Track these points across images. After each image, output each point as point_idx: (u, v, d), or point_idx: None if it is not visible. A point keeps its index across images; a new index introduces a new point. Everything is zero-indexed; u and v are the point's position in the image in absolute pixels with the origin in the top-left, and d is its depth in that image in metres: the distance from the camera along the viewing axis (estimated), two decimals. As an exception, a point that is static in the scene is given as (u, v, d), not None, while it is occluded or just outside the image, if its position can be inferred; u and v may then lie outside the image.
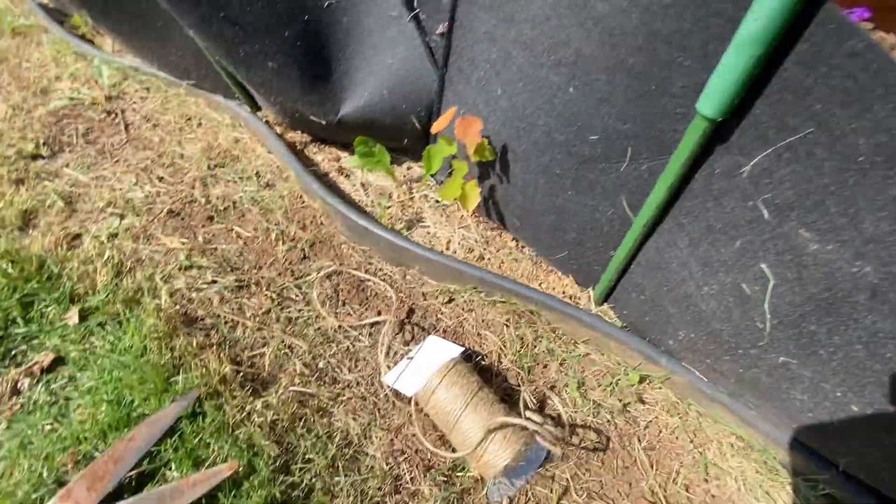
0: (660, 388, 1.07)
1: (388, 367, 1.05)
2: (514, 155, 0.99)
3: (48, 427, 0.90)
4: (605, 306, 1.13)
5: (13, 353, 1.00)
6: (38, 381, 0.97)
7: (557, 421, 1.01)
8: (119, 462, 0.83)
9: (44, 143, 1.52)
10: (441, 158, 1.14)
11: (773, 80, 0.60)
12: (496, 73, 0.91)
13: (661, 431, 1.03)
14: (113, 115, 1.67)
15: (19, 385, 0.96)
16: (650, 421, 1.04)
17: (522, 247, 1.27)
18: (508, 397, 1.05)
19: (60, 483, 0.84)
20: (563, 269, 1.18)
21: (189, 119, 1.66)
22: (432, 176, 1.37)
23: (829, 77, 0.54)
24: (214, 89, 1.56)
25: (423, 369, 0.98)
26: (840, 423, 0.70)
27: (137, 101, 1.73)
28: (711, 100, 0.60)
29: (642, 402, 1.06)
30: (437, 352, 1.02)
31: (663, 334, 0.96)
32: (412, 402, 0.99)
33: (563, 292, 1.17)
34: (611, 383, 1.08)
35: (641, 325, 1.03)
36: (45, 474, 0.84)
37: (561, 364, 1.11)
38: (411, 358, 1.03)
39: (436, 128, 0.97)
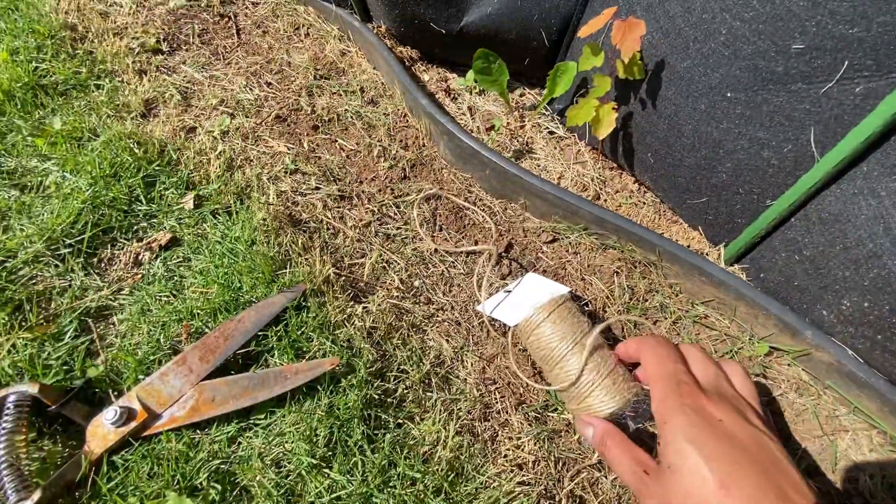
0: (790, 364, 0.94)
1: (486, 297, 1.00)
2: (671, 73, 0.85)
3: (164, 299, 0.94)
4: (736, 267, 1.00)
5: (135, 228, 1.05)
6: (156, 257, 1.01)
7: (667, 379, 0.92)
8: (228, 339, 0.85)
9: (164, 40, 1.55)
10: (571, 78, 1.02)
11: None
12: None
13: (784, 411, 0.91)
14: (226, 19, 1.67)
15: (140, 257, 1.00)
16: (773, 397, 0.92)
17: (644, 191, 1.14)
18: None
19: (175, 350, 0.88)
20: (691, 221, 1.04)
21: (298, 28, 1.62)
22: (549, 104, 1.25)
23: None
24: (327, -5, 1.51)
25: (525, 303, 0.91)
26: None
27: (249, 7, 1.72)
28: None
29: (765, 377, 0.95)
30: (540, 289, 0.95)
31: (817, 302, 0.83)
32: (510, 335, 0.94)
33: (688, 246, 1.04)
34: (730, 351, 0.97)
35: (784, 291, 0.89)
36: (161, 340, 0.88)
37: (674, 323, 1.01)
38: (509, 291, 0.97)
39: (585, 31, 0.85)
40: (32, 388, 0.73)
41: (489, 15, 1.11)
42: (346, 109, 1.37)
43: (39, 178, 1.09)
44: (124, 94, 1.33)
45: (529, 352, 0.91)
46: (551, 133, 1.24)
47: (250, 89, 1.42)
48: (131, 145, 1.13)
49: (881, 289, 0.70)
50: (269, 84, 1.45)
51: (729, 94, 0.78)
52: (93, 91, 1.32)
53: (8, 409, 0.72)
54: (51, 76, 1.32)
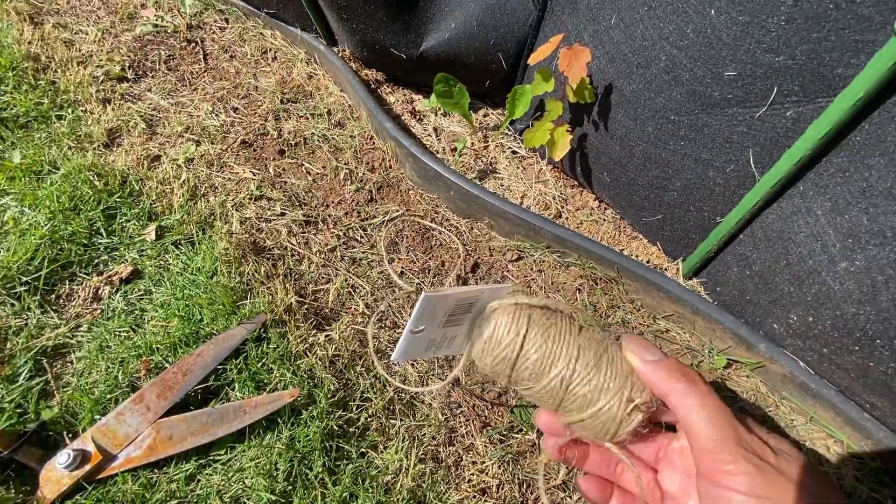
0: (748, 376, 0.96)
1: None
2: (619, 96, 0.87)
3: (124, 334, 0.93)
4: (694, 281, 1.02)
5: (95, 261, 1.04)
6: (116, 291, 1.00)
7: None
8: (187, 374, 0.84)
9: (129, 67, 1.55)
10: (528, 101, 1.04)
11: None
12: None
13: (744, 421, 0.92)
14: (193, 45, 1.67)
15: (100, 292, 0.99)
16: (734, 409, 0.93)
17: (605, 208, 1.16)
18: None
19: (133, 387, 0.87)
20: (650, 236, 1.06)
21: (265, 52, 1.63)
22: (511, 124, 1.27)
23: None
24: (293, 20, 1.52)
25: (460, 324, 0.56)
26: None
27: (216, 32, 1.72)
28: (921, 16, 0.47)
29: (726, 389, 0.96)
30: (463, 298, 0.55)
31: (767, 316, 0.85)
32: (462, 361, 0.70)
33: (648, 261, 1.06)
34: (692, 364, 0.98)
35: (738, 305, 0.91)
36: (119, 377, 0.87)
37: (636, 337, 1.02)
38: (417, 332, 0.53)
39: (535, 57, 0.87)
40: (-19, 435, 0.72)
41: (447, 41, 1.13)
42: (313, 133, 1.38)
43: (-4, 213, 1.08)
44: (87, 124, 1.32)
45: (518, 383, 0.54)
46: (514, 153, 1.26)
47: (216, 115, 1.42)
48: (91, 177, 1.12)
49: (822, 304, 0.72)
50: (235, 109, 1.45)
51: (673, 118, 0.80)
52: (54, 122, 1.31)
53: (-45, 458, 0.70)
54: (11, 109, 1.31)
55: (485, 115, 1.37)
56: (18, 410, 0.81)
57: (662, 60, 0.76)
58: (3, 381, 0.84)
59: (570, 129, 0.96)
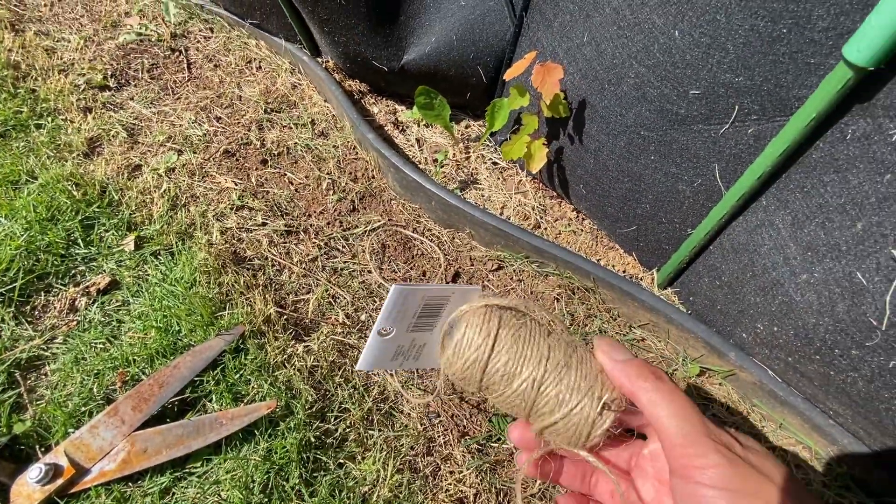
0: (720, 384, 0.98)
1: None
2: (592, 112, 0.90)
3: (100, 346, 0.92)
4: (669, 290, 1.04)
5: (73, 272, 1.03)
6: (93, 302, 0.99)
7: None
8: (163, 387, 0.84)
9: (111, 76, 1.54)
10: (507, 114, 1.06)
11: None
12: (585, 16, 0.82)
13: (717, 430, 0.94)
14: (177, 53, 1.67)
15: (77, 303, 0.98)
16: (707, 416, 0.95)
17: (583, 219, 1.18)
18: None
19: (108, 400, 0.86)
20: (626, 247, 1.09)
21: (249, 62, 1.64)
22: (492, 135, 1.29)
23: None
24: (277, 31, 1.53)
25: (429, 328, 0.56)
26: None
27: (201, 41, 1.72)
28: (865, 42, 0.50)
29: (700, 396, 0.98)
30: (432, 300, 0.55)
31: (737, 325, 0.87)
32: (441, 376, 0.73)
33: (624, 271, 1.08)
34: (667, 372, 1.00)
35: (710, 315, 0.94)
36: (94, 390, 0.86)
37: (613, 346, 1.04)
38: (385, 333, 0.53)
39: (510, 73, 0.89)
40: (-50, 451, 0.71)
41: (427, 54, 1.14)
42: (296, 142, 1.39)
43: (-28, 225, 1.06)
44: (67, 133, 1.32)
45: (489, 390, 0.54)
46: (495, 164, 1.28)
47: (199, 124, 1.42)
48: (69, 187, 1.12)
49: (785, 314, 0.74)
50: (218, 119, 1.46)
51: (643, 133, 0.83)
52: (33, 131, 1.30)
53: (-78, 474, 0.69)
54: (-12, 117, 1.30)
55: (466, 126, 1.39)
56: (-11, 424, 0.80)
57: (631, 78, 0.79)
58: (-26, 395, 0.83)
59: (546, 143, 0.98)
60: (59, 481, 0.74)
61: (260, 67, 1.62)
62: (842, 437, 0.80)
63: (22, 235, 1.03)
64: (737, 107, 0.68)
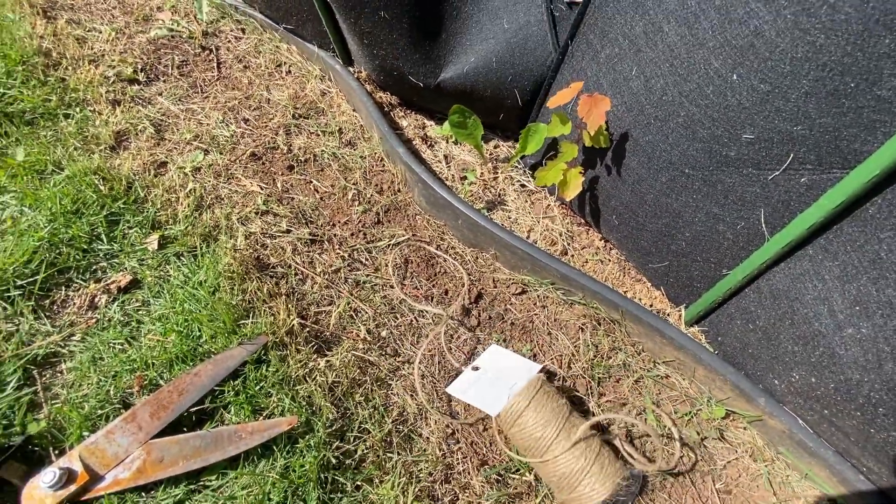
0: (745, 428, 0.96)
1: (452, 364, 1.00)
2: (634, 145, 0.89)
3: (119, 346, 0.91)
4: (696, 328, 1.03)
5: (94, 268, 1.01)
6: (113, 300, 0.97)
7: (631, 442, 0.93)
8: (183, 394, 0.82)
9: (141, 70, 1.54)
10: (542, 139, 1.06)
11: None
12: (636, 51, 0.82)
13: (740, 475, 0.93)
14: (207, 52, 1.67)
15: (96, 300, 0.97)
16: (729, 461, 0.94)
17: (610, 248, 1.17)
18: (575, 407, 0.97)
19: (125, 403, 0.84)
20: (654, 281, 1.08)
21: (279, 65, 1.64)
22: (522, 158, 1.28)
23: None
24: (310, 37, 1.53)
25: (498, 384, 0.89)
26: None
27: (232, 41, 1.72)
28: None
29: (723, 439, 0.97)
30: (510, 366, 0.94)
31: (769, 372, 0.86)
32: (494, 423, 0.90)
33: (651, 305, 1.07)
34: (689, 412, 0.99)
35: (740, 358, 0.92)
36: (111, 392, 0.84)
37: (636, 382, 1.02)
38: (476, 368, 0.95)
39: (554, 101, 0.88)
40: (-37, 449, 0.69)
41: (465, 73, 1.14)
42: (323, 150, 1.38)
43: (-6, 211, 1.05)
44: (95, 124, 1.31)
45: (512, 440, 0.87)
46: (523, 186, 1.27)
47: (227, 125, 1.41)
48: (96, 181, 1.10)
49: (826, 367, 0.73)
50: (246, 120, 1.45)
51: (687, 171, 0.82)
52: (62, 121, 1.29)
53: (-67, 472, 0.67)
54: (17, 104, 1.29)
55: (495, 147, 1.38)
56: (4, 422, 0.78)
57: (681, 116, 0.78)
58: (-12, 391, 0.81)
59: (582, 172, 0.97)
60: (73, 487, 0.72)
61: (290, 72, 1.62)
62: (871, 494, 0.78)
63: (45, 227, 1.01)
64: (791, 155, 0.68)
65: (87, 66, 1.50)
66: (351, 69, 1.48)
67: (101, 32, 1.69)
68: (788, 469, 0.92)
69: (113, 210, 1.08)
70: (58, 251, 1.00)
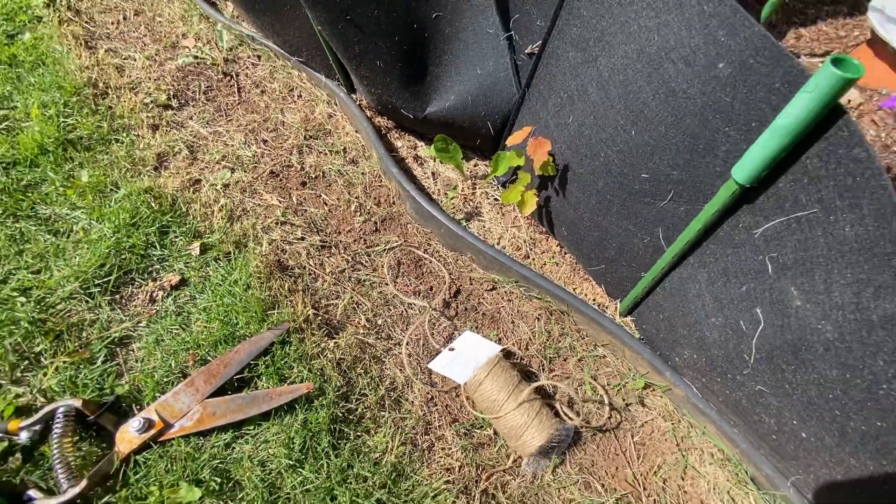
0: (661, 396, 1.23)
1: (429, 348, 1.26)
2: (573, 175, 1.14)
3: (175, 331, 1.18)
4: (628, 318, 1.29)
5: (151, 270, 1.28)
6: (168, 295, 1.24)
7: (569, 405, 1.20)
8: (227, 366, 1.09)
9: (173, 96, 1.79)
10: (507, 166, 1.31)
11: (796, 164, 0.73)
12: (571, 103, 1.07)
13: (653, 432, 1.20)
14: (228, 78, 1.93)
15: (154, 295, 1.24)
16: (646, 422, 1.21)
17: (565, 253, 1.43)
18: (531, 380, 1.24)
19: (183, 374, 1.11)
20: (597, 280, 1.34)
21: (292, 90, 1.89)
22: (495, 177, 1.54)
23: (837, 173, 0.67)
24: (318, 68, 1.78)
25: (468, 362, 1.15)
26: (792, 447, 0.84)
27: (249, 67, 1.97)
28: (745, 170, 0.74)
29: (643, 405, 1.23)
30: (477, 346, 1.19)
31: (672, 351, 1.12)
32: (462, 389, 1.18)
33: (594, 300, 1.33)
34: (619, 384, 1.25)
35: (655, 340, 1.19)
36: (172, 365, 1.11)
37: (579, 360, 1.29)
38: (452, 349, 1.20)
39: (510, 141, 1.13)
40: (76, 402, 0.97)
41: (446, 108, 1.39)
42: (330, 167, 1.64)
43: (70, 225, 1.32)
44: (140, 147, 1.57)
45: (476, 403, 1.15)
46: (496, 199, 1.53)
47: (248, 146, 1.67)
48: (149, 199, 1.37)
49: (701, 346, 0.99)
50: (264, 141, 1.71)
51: (609, 197, 1.08)
52: (113, 145, 1.55)
53: (58, 418, 0.95)
54: (76, 131, 1.55)
55: (475, 165, 1.64)
56: (98, 386, 1.06)
57: (601, 156, 1.04)
58: (84, 363, 1.08)
59: (537, 193, 1.23)
60: (152, 432, 0.99)
61: (300, 96, 1.87)
62: (741, 441, 1.05)
63: (112, 237, 1.28)
64: (673, 191, 0.93)
65: (128, 93, 1.75)
66: (353, 96, 1.73)
67: (135, 60, 1.94)
68: (691, 428, 1.18)
69: (163, 222, 1.35)
70: (122, 256, 1.27)
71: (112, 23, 2.12)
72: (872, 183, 0.63)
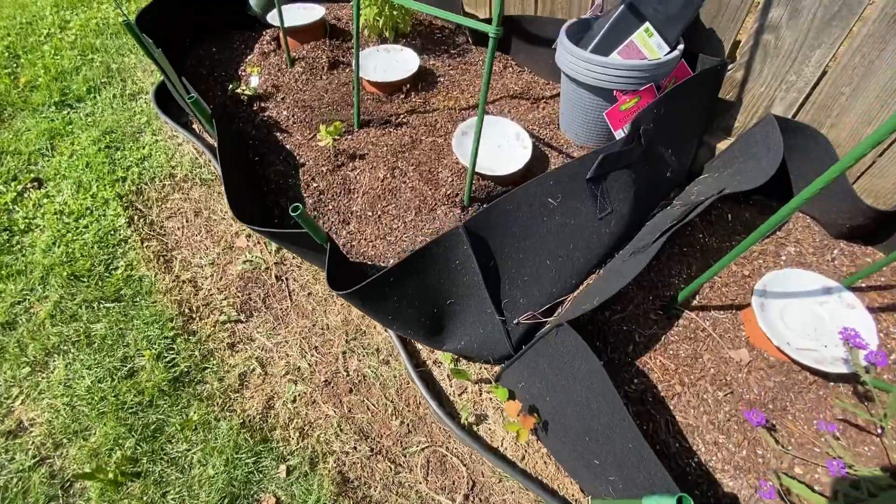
0: None
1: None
2: (554, 425, 1.64)
3: (277, 547, 1.67)
4: (599, 508, 1.78)
5: (253, 493, 1.78)
6: (267, 515, 1.74)
7: None
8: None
9: (240, 309, 2.28)
10: (505, 395, 1.80)
11: None
12: (547, 391, 1.55)
13: None
14: (280, 282, 2.41)
15: (258, 515, 1.74)
16: None
17: (550, 455, 1.92)
18: None
19: (289, 586, 1.61)
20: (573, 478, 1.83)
21: (332, 293, 2.37)
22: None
23: None
24: (353, 285, 2.26)
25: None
26: None
27: (295, 270, 2.45)
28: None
29: None
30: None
31: None
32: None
33: (573, 495, 1.82)
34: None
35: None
36: (281, 579, 1.61)
37: (565, 541, 1.77)
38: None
39: (507, 409, 1.62)
40: None
41: (457, 349, 1.88)
42: (368, 371, 2.13)
43: (189, 459, 1.82)
44: (225, 371, 2.06)
45: None
46: (500, 405, 2.02)
47: (304, 356, 2.16)
48: (246, 436, 1.87)
49: None
50: (316, 349, 2.19)
51: (579, 448, 1.56)
52: (207, 379, 2.04)
53: None
54: (177, 367, 2.05)
55: (480, 367, 2.13)
56: None
57: (571, 421, 1.52)
58: None
59: (531, 430, 1.72)
60: None
61: (337, 299, 2.36)
62: None
63: (223, 471, 1.78)
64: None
65: (205, 310, 2.24)
66: (382, 309, 2.21)
67: (202, 268, 2.43)
68: None
69: (257, 451, 1.85)
70: (232, 486, 1.76)
71: (178, 228, 2.61)
72: None
